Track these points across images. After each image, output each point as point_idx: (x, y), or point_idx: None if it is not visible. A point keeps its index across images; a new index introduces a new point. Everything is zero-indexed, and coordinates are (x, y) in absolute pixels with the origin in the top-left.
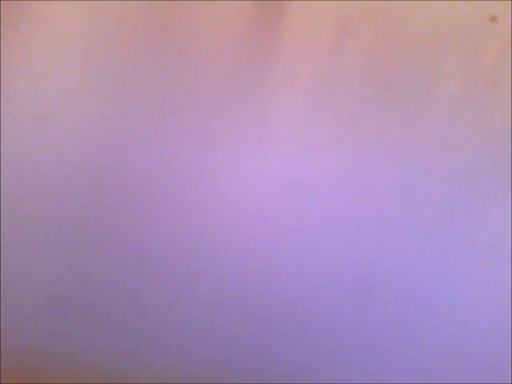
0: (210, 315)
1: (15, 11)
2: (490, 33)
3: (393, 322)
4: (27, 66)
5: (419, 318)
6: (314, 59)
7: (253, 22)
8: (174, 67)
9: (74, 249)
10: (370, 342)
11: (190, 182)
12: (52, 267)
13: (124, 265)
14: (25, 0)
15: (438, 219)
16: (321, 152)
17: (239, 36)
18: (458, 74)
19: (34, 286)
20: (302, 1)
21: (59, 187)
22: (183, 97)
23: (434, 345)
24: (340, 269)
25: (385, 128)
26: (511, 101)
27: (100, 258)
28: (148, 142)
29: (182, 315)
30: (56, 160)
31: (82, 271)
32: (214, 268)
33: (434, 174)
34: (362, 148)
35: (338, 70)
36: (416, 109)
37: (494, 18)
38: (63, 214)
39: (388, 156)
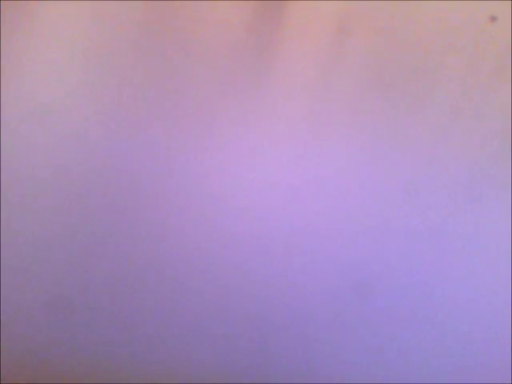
0: (211, 316)
1: (15, 11)
2: (490, 33)
3: (392, 323)
4: (27, 65)
5: (419, 319)
6: (314, 59)
7: (253, 22)
8: (174, 67)
9: (75, 249)
10: (370, 342)
11: (190, 181)
12: (52, 267)
13: (125, 266)
14: (25, 0)
15: (437, 220)
16: (321, 152)
17: (239, 36)
18: (459, 73)
19: (33, 287)
20: (302, 1)
21: (59, 187)
22: (183, 96)
23: (434, 345)
24: (340, 269)
25: (385, 127)
26: (511, 100)
27: (101, 258)
28: (148, 142)
29: (182, 316)
30: (56, 159)
31: (82, 271)
32: (215, 268)
33: (434, 175)
34: (362, 148)
35: (338, 69)
36: (416, 108)
37: (493, 18)
38: (63, 213)
39: (388, 156)
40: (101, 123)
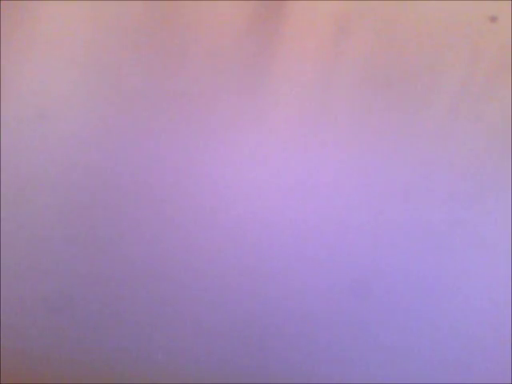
0: (211, 316)
1: (15, 11)
2: (490, 33)
3: (393, 322)
4: (27, 65)
5: (419, 319)
6: (314, 59)
7: (253, 22)
8: (174, 67)
9: (75, 248)
10: (370, 342)
11: (190, 182)
12: (52, 269)
13: (125, 265)
14: (25, 0)
15: (437, 219)
16: (321, 151)
17: (239, 36)
18: (458, 73)
19: (34, 286)
20: (302, 1)
21: (59, 187)
22: (183, 96)
23: (435, 344)
24: (339, 269)
25: (385, 127)
26: (511, 100)
27: (101, 258)
28: (148, 142)
29: (183, 316)
30: (56, 159)
31: (82, 273)
32: (215, 268)
33: (434, 174)
34: (362, 148)
35: (337, 69)
36: (416, 108)
37: (493, 18)
38: (63, 213)
39: (388, 155)
40: (101, 124)
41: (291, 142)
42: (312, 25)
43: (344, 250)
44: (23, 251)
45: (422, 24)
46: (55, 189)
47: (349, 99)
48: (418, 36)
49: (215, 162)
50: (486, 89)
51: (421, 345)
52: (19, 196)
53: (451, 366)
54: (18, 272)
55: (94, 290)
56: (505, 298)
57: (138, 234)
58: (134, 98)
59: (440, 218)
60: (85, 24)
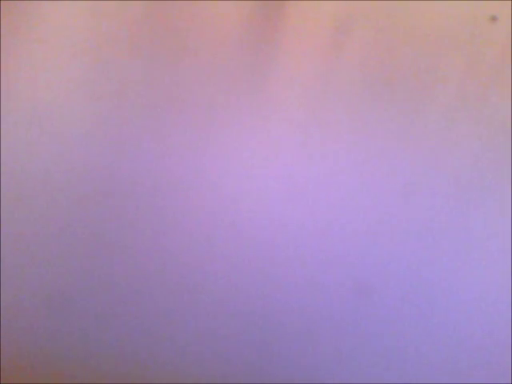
0: (212, 316)
1: (15, 11)
2: (490, 33)
3: (393, 323)
4: (27, 66)
5: (419, 318)
6: (314, 59)
7: (253, 22)
8: (175, 67)
9: (74, 249)
10: (370, 342)
11: (190, 182)
12: (52, 268)
13: (125, 266)
14: (25, 0)
15: (437, 219)
16: (320, 151)
17: (239, 36)
18: (458, 73)
19: (34, 286)
20: (302, 1)
21: (58, 188)
22: (183, 97)
23: (434, 345)
24: (341, 269)
25: (384, 127)
26: (511, 100)
27: (101, 258)
28: (148, 143)
29: (184, 315)
30: (55, 160)
31: (82, 272)
32: (215, 268)
33: (433, 174)
34: (362, 148)
35: (337, 69)
36: (416, 108)
37: (494, 18)
38: (62, 214)
39: (388, 155)
40: (101, 124)
41: (290, 142)
42: (313, 25)
43: (345, 250)
44: (21, 252)
45: (422, 24)
46: (55, 189)
47: (348, 99)
48: (418, 36)
49: (216, 162)
50: (486, 88)
51: (421, 344)
52: (19, 196)
53: (451, 365)
54: (18, 272)
55: (95, 290)
56: (505, 297)
57: (138, 233)
58: (134, 99)
59: (440, 218)
60: (85, 24)
